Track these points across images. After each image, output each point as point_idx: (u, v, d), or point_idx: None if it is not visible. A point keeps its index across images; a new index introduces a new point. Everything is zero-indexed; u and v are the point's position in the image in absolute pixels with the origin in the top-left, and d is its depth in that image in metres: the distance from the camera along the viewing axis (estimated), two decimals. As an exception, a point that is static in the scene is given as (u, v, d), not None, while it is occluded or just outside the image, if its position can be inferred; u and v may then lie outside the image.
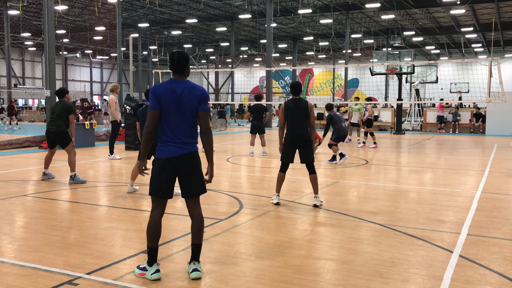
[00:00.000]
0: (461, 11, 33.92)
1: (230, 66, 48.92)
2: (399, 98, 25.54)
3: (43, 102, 44.54)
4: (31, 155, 13.13)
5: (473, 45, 50.51)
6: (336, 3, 35.34)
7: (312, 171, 6.86)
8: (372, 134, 16.15)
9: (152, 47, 51.82)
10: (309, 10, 34.51)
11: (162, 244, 4.88)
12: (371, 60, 37.96)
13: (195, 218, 4.11)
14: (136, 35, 45.65)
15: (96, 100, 60.41)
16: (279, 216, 6.30)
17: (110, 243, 5.05)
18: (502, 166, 11.59)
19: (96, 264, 4.32)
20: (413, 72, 26.02)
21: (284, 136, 7.01)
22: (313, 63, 66.83)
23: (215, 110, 36.76)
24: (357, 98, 19.32)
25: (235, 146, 16.97)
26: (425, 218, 6.18)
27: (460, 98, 38.72)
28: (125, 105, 13.35)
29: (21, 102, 47.07)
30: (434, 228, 5.71)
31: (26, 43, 48.09)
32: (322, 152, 13.90)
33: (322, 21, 39.23)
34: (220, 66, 58.96)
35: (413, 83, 29.97)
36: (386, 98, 49.99)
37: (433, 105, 31.48)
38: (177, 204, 6.73)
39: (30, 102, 50.55)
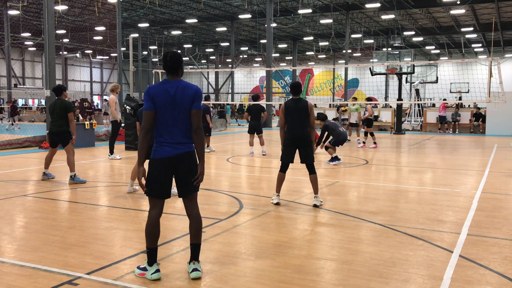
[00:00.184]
0: (461, 11, 33.92)
1: (230, 66, 48.93)
2: (399, 98, 25.54)
3: (43, 102, 44.54)
4: (31, 155, 13.13)
5: (473, 45, 50.52)
6: (336, 3, 35.35)
7: (312, 171, 6.86)
8: (372, 134, 16.15)
9: (152, 47, 51.81)
10: (309, 10, 34.52)
11: (162, 244, 4.88)
12: (371, 60, 37.95)
13: (192, 217, 4.11)
14: (136, 35, 45.64)
15: (96, 100, 60.43)
16: (279, 216, 6.30)
17: (110, 243, 5.05)
18: (502, 166, 11.59)
19: (96, 264, 4.32)
20: (413, 72, 26.02)
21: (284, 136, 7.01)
22: (313, 63, 66.84)
23: (215, 110, 36.75)
24: (355, 98, 19.40)
25: (235, 146, 16.96)
26: (425, 218, 6.18)
27: (460, 98, 38.71)
28: (125, 105, 13.32)
29: (21, 102, 47.04)
30: (434, 228, 5.71)
31: (26, 43, 48.08)
32: (322, 152, 13.90)
33: (322, 21, 39.23)
34: (220, 66, 58.96)
35: (413, 83, 29.97)
36: (386, 98, 49.98)
37: (433, 105, 31.49)
38: (176, 204, 6.73)
39: (30, 102, 50.54)
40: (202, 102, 16.01)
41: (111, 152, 12.42)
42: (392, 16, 36.37)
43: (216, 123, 26.26)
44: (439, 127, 25.74)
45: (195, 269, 4.01)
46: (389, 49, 43.42)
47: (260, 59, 60.55)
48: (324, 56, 60.05)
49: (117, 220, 6.03)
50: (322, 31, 46.62)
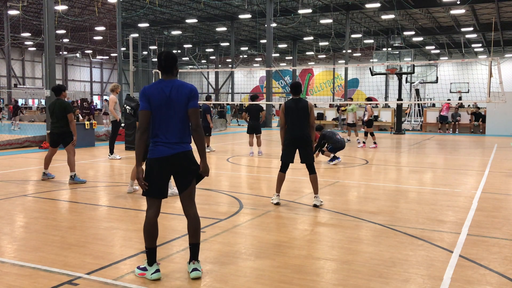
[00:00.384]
0: (461, 11, 33.92)
1: (230, 66, 48.93)
2: (399, 98, 25.54)
3: (43, 102, 44.55)
4: (31, 155, 13.13)
5: (473, 45, 50.52)
6: (336, 3, 35.35)
7: (312, 171, 6.87)
8: (372, 134, 16.15)
9: (152, 47, 51.82)
10: (309, 10, 34.52)
11: (162, 244, 4.88)
12: (371, 60, 37.95)
13: (190, 217, 4.10)
14: (136, 35, 45.65)
15: (96, 100, 60.43)
16: (279, 216, 6.30)
17: (110, 243, 5.05)
18: (502, 166, 11.59)
19: (96, 264, 4.32)
20: (413, 72, 26.02)
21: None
22: (313, 63, 66.84)
23: (215, 110, 36.74)
24: (350, 99, 19.50)
25: (235, 146, 16.96)
26: (425, 218, 6.18)
27: (460, 98, 38.71)
28: (125, 105, 13.33)
29: (21, 102, 47.05)
30: (434, 228, 5.71)
31: (26, 43, 48.09)
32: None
33: (322, 21, 39.23)
34: (220, 66, 58.96)
35: (413, 83, 29.97)
36: (386, 98, 49.99)
37: (433, 105, 31.47)
38: (176, 204, 6.73)
39: (30, 102, 50.55)
40: (203, 102, 16.04)
41: (111, 152, 12.42)
42: (392, 16, 36.37)
43: (216, 123, 26.26)
44: (439, 126, 25.74)
45: (195, 269, 4.01)
46: (389, 49, 43.42)
47: (260, 59, 60.55)
48: (324, 56, 60.05)
49: (117, 220, 6.03)
50: (322, 31, 46.62)
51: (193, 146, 4.08)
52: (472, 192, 8.05)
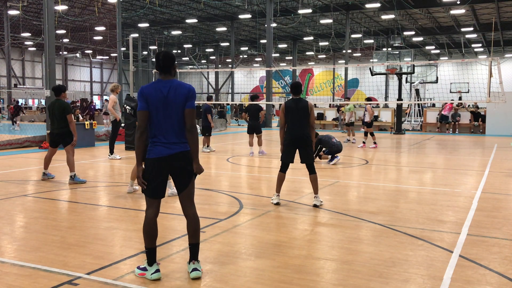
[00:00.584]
0: (461, 11, 33.92)
1: (230, 66, 48.93)
2: (399, 98, 25.54)
3: (43, 102, 44.55)
4: (31, 155, 13.13)
5: (473, 45, 50.52)
6: (336, 3, 35.34)
7: (312, 171, 6.87)
8: (372, 134, 16.15)
9: (152, 47, 51.81)
10: (309, 10, 34.52)
11: (161, 244, 4.88)
12: (371, 60, 37.96)
13: (190, 217, 4.11)
14: (136, 35, 45.64)
15: (96, 100, 60.43)
16: (279, 216, 6.30)
17: (110, 243, 5.05)
18: (502, 166, 11.59)
19: (96, 264, 4.32)
20: (413, 72, 26.02)
21: (284, 136, 7.01)
22: (313, 63, 66.84)
23: (215, 110, 36.73)
24: (348, 98, 19.62)
25: (235, 146, 16.96)
26: (425, 218, 6.18)
27: (460, 98, 38.70)
28: (125, 105, 13.33)
29: (21, 102, 47.06)
30: (434, 228, 5.71)
31: (26, 43, 48.09)
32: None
33: (322, 21, 39.23)
34: (220, 66, 58.96)
35: (413, 83, 29.97)
36: (386, 98, 49.99)
37: (433, 105, 31.46)
38: (176, 204, 6.72)
39: (30, 102, 50.56)
40: (204, 102, 16.01)
41: (111, 152, 12.42)
42: (392, 16, 36.38)
43: (216, 123, 26.23)
44: (438, 125, 25.71)
45: (195, 269, 4.01)
46: (389, 49, 43.42)
47: (260, 59, 60.55)
48: (324, 56, 60.05)
49: (117, 220, 6.03)
50: (322, 31, 46.62)
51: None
52: (472, 192, 8.05)
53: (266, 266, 4.32)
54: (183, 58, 57.95)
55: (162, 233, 5.14)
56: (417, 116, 29.31)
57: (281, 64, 62.65)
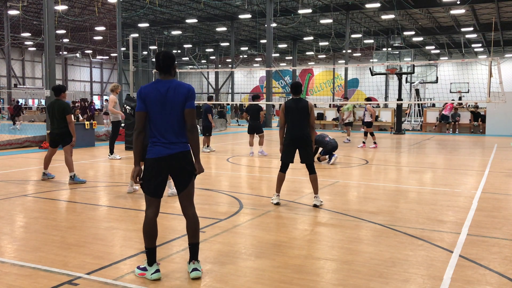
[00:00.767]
0: (461, 11, 33.92)
1: (230, 66, 48.93)
2: (399, 98, 25.54)
3: (43, 102, 44.55)
4: (31, 155, 13.13)
5: (473, 45, 50.53)
6: (336, 3, 35.34)
7: (312, 171, 6.87)
8: (372, 134, 16.15)
9: (152, 47, 51.81)
10: (309, 10, 34.52)
11: (161, 244, 4.88)
12: (371, 60, 37.95)
13: (189, 217, 4.11)
14: (136, 35, 45.64)
15: (96, 100, 60.42)
16: (279, 216, 6.30)
17: (110, 243, 5.05)
18: (502, 166, 11.59)
19: (96, 264, 4.32)
20: (413, 72, 26.01)
21: (284, 136, 7.02)
22: (313, 63, 66.83)
23: (215, 110, 36.73)
24: (346, 98, 19.69)
25: (235, 146, 16.96)
26: (425, 218, 6.18)
27: (460, 98, 38.70)
28: (125, 105, 13.34)
29: (20, 102, 47.04)
30: (434, 228, 5.71)
31: (26, 43, 48.09)
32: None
33: (322, 21, 39.23)
34: (220, 66, 58.96)
35: (413, 83, 29.97)
36: (386, 98, 50.00)
37: (433, 105, 31.44)
38: (177, 204, 6.72)
39: (30, 102, 50.56)
40: (205, 102, 15.99)
41: (111, 152, 12.42)
42: (392, 16, 36.38)
43: (216, 123, 26.22)
44: (435, 124, 25.68)
45: (195, 269, 4.01)
46: (389, 49, 43.42)
47: (260, 59, 60.55)
48: (324, 56, 60.06)
49: (117, 220, 6.03)
50: (322, 31, 46.62)
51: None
52: (472, 192, 8.05)
53: (266, 266, 4.32)
54: (183, 58, 57.96)
55: (162, 233, 5.15)
56: (417, 116, 29.31)
57: (281, 64, 62.66)
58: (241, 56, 58.55)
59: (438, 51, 54.76)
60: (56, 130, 8.73)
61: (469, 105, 28.19)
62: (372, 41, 48.37)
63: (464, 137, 22.55)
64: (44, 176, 8.97)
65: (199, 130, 4.40)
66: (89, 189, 8.12)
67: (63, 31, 40.06)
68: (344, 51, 43.47)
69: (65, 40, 45.33)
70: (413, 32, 42.90)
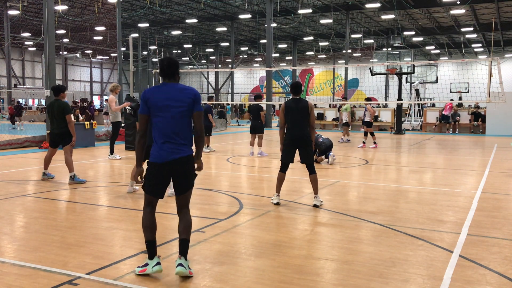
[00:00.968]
0: (461, 11, 33.92)
1: (230, 66, 48.93)
2: (399, 98, 25.54)
3: (43, 102, 44.55)
4: (31, 155, 13.13)
5: (473, 45, 50.52)
6: (336, 3, 35.34)
7: (312, 171, 6.87)
8: (372, 134, 16.14)
9: (152, 47, 51.82)
10: (309, 10, 34.52)
11: (162, 244, 4.88)
12: (371, 60, 37.97)
13: (182, 215, 4.14)
14: (136, 35, 45.64)
15: (96, 100, 60.41)
16: (279, 216, 6.30)
17: (110, 243, 5.05)
18: (502, 166, 11.59)
19: (96, 264, 4.32)
20: (413, 72, 26.01)
21: (284, 136, 7.02)
22: (313, 63, 66.83)
23: (215, 110, 36.73)
24: (345, 99, 19.75)
25: (235, 146, 16.96)
26: (425, 218, 6.18)
27: (460, 98, 38.70)
28: (125, 105, 13.34)
29: (21, 102, 47.05)
30: (434, 228, 5.71)
31: (26, 43, 48.08)
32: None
33: (322, 21, 39.23)
34: (220, 66, 58.96)
35: (413, 83, 29.97)
36: (386, 98, 50.00)
37: (433, 105, 31.43)
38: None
39: (30, 102, 50.56)
40: (205, 102, 16.00)
41: (111, 152, 12.42)
42: (392, 16, 36.37)
43: (216, 123, 26.23)
44: (435, 124, 25.67)
45: (180, 264, 3.92)
46: (389, 49, 43.41)
47: (260, 59, 60.55)
48: (324, 56, 60.05)
49: (117, 220, 6.03)
50: (322, 31, 46.62)
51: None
52: (472, 192, 8.05)
53: (266, 266, 4.32)
54: (183, 58, 57.95)
55: (162, 233, 5.15)
56: (417, 116, 29.31)
57: (281, 64, 62.66)
58: (241, 56, 58.55)
59: (438, 51, 54.75)
60: (56, 130, 8.73)
61: (469, 105, 28.20)
62: (372, 41, 48.36)
63: (464, 137, 22.55)
64: (44, 176, 8.97)
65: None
66: (89, 189, 8.12)
67: (63, 31, 40.06)
68: (344, 51, 43.47)
69: (65, 40, 45.32)
70: (413, 32, 42.90)
